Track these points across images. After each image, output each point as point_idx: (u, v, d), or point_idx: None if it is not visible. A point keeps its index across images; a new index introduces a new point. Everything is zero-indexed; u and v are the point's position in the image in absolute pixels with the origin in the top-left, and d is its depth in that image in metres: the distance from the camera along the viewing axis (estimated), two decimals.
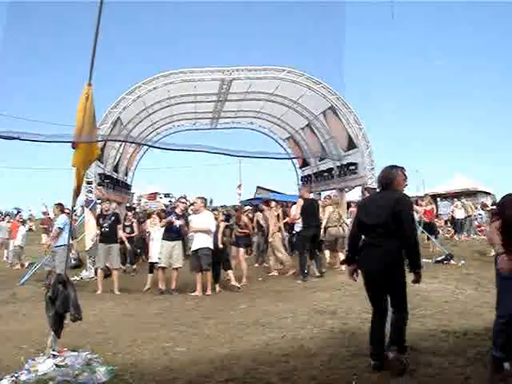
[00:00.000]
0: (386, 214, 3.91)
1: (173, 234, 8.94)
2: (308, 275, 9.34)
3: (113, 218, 9.36)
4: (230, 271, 8.97)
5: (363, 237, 4.20)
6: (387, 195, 4.08)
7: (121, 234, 9.60)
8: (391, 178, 4.13)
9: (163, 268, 8.98)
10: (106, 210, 9.62)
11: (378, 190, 4.34)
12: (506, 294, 3.72)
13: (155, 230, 9.91)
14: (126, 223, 12.36)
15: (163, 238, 9.02)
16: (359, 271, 4.20)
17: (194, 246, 8.67)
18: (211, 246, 8.65)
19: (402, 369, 3.85)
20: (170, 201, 31.42)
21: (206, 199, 9.27)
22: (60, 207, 9.57)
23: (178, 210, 9.31)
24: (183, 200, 10.09)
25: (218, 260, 8.89)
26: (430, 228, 14.06)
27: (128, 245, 11.03)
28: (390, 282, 3.98)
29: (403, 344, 4.04)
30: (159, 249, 9.17)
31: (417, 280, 3.92)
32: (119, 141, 14.91)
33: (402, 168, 4.22)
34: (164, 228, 9.06)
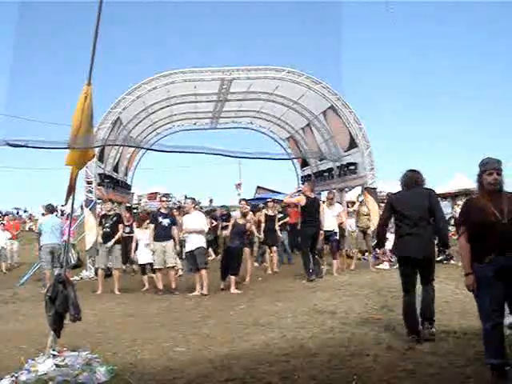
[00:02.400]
0: (424, 206, 4.78)
1: (162, 233, 8.93)
2: (313, 274, 9.28)
3: (115, 218, 9.35)
4: (233, 277, 8.82)
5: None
6: (419, 191, 4.92)
7: (120, 232, 9.57)
8: (418, 177, 4.99)
9: (160, 269, 8.97)
10: (109, 211, 9.60)
11: (403, 189, 5.08)
12: (484, 299, 3.67)
13: (140, 231, 9.85)
14: (126, 223, 12.36)
15: (154, 239, 9.01)
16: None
17: (189, 247, 8.66)
18: (205, 246, 8.74)
19: (433, 338, 4.70)
20: (169, 201, 31.37)
21: (195, 199, 9.30)
22: (49, 208, 9.61)
23: (163, 210, 9.30)
24: (164, 198, 10.08)
25: (229, 261, 8.89)
26: None
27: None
28: (429, 262, 4.91)
29: (433, 317, 4.86)
30: (148, 250, 9.21)
31: (446, 258, 4.60)
32: (119, 145, 14.98)
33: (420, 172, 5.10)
34: (154, 229, 9.07)
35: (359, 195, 12.59)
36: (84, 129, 4.10)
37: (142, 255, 9.59)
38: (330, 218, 9.98)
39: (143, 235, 9.56)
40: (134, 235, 10.01)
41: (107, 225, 9.25)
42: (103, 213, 9.92)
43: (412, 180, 4.97)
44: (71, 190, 4.53)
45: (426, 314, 4.85)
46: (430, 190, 4.98)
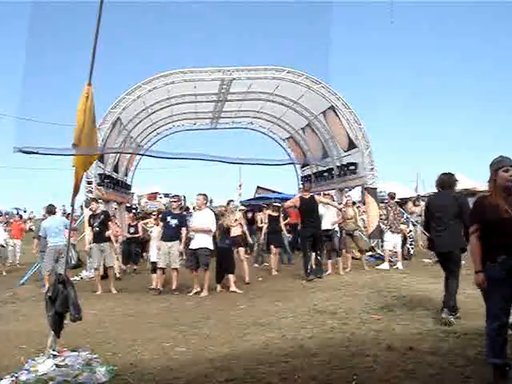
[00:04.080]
0: (451, 208, 5.54)
1: (169, 233, 8.90)
2: (312, 274, 9.28)
3: (102, 216, 9.33)
4: (231, 276, 8.84)
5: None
6: (450, 194, 5.68)
7: (109, 232, 9.53)
8: (452, 181, 5.78)
9: (162, 268, 8.95)
10: (94, 210, 9.59)
11: (437, 190, 5.92)
12: (494, 298, 3.68)
13: (156, 229, 9.88)
14: (132, 223, 12.41)
15: (160, 239, 9.01)
16: None
17: (194, 245, 8.65)
18: (211, 247, 8.66)
19: (447, 323, 5.33)
20: (170, 201, 31.32)
21: (206, 196, 9.17)
22: (50, 209, 9.60)
23: (173, 210, 9.28)
24: (175, 199, 10.05)
25: (222, 261, 8.90)
26: None
27: (116, 244, 10.79)
28: (453, 256, 5.59)
29: (454, 306, 5.57)
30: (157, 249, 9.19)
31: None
32: (127, 153, 15.13)
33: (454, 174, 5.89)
34: (162, 228, 9.07)
35: (347, 196, 12.56)
36: (87, 128, 4.14)
37: (155, 253, 9.58)
38: (326, 218, 9.98)
39: (158, 233, 9.57)
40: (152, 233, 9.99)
41: (95, 224, 9.24)
42: (90, 213, 9.87)
43: (447, 183, 5.76)
44: (77, 190, 4.59)
45: (446, 302, 5.58)
46: (459, 193, 5.94)
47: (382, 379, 3.82)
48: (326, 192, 10.79)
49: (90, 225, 9.49)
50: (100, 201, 13.20)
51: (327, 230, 9.94)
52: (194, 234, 8.75)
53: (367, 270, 10.31)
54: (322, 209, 10.11)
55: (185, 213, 11.96)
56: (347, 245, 10.72)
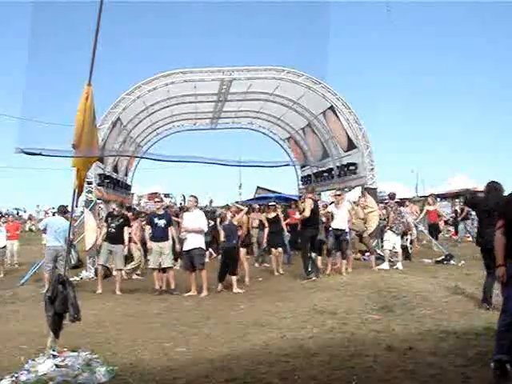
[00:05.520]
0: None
1: (159, 234, 8.89)
2: (312, 274, 9.29)
3: (121, 220, 9.30)
4: (234, 277, 8.83)
5: None
6: (496, 196, 6.07)
7: (126, 236, 9.53)
8: (499, 187, 6.28)
9: (156, 269, 8.91)
10: (118, 211, 9.58)
11: (484, 193, 6.54)
12: (509, 295, 3.71)
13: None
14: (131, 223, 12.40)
15: (150, 239, 9.01)
16: None
17: (187, 246, 8.64)
18: (203, 246, 8.71)
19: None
20: (170, 201, 31.33)
21: (197, 198, 9.26)
22: (60, 209, 9.60)
23: (157, 211, 9.28)
24: (157, 199, 10.01)
25: (226, 261, 8.92)
26: (435, 229, 14.12)
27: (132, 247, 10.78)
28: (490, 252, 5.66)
29: (489, 298, 6.11)
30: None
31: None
32: (120, 156, 15.11)
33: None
34: (150, 230, 9.09)
35: (360, 197, 12.55)
36: (87, 129, 4.14)
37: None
38: (339, 217, 9.95)
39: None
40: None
41: (113, 225, 9.19)
42: (109, 211, 9.81)
43: (491, 188, 6.32)
44: (81, 191, 4.59)
45: (484, 295, 6.15)
46: (507, 196, 6.35)
47: (382, 379, 3.83)
48: (338, 192, 10.81)
49: (106, 222, 9.46)
50: (100, 201, 13.23)
51: (337, 230, 9.94)
52: (185, 234, 8.74)
53: (374, 269, 10.32)
54: (332, 208, 10.16)
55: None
56: (354, 245, 10.75)
